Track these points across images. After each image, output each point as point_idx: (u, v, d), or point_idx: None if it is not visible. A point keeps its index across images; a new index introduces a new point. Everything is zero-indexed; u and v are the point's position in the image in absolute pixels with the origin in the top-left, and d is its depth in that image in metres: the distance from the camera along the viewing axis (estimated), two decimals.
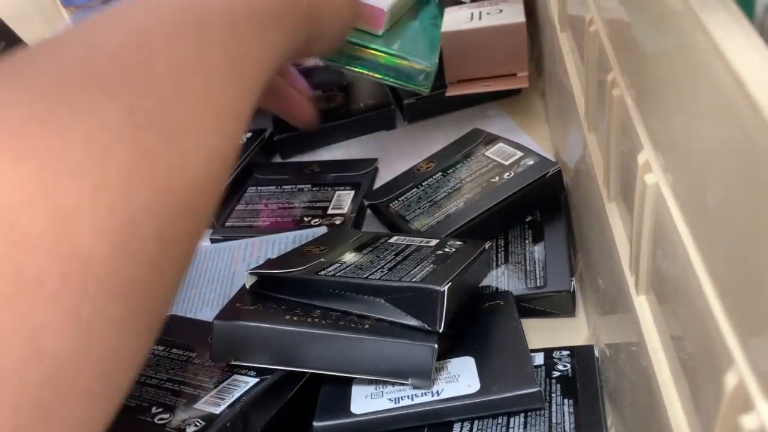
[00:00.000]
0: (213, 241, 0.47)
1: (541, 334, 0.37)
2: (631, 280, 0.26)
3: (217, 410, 0.28)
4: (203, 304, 0.41)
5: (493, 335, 0.33)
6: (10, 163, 0.17)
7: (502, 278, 0.40)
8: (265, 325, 0.30)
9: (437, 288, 0.30)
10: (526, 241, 0.42)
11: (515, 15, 0.47)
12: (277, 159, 0.57)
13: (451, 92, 0.50)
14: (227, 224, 0.48)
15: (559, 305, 0.39)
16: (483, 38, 0.47)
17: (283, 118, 0.51)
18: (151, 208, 0.19)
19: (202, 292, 0.42)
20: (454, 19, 0.51)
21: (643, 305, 0.25)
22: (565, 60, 0.40)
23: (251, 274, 0.33)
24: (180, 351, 0.33)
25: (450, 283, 0.30)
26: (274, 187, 0.51)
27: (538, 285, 0.39)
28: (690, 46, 0.18)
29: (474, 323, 0.34)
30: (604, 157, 0.30)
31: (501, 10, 0.49)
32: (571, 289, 0.38)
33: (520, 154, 0.45)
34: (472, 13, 0.50)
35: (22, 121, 0.18)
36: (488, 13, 0.49)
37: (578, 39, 0.37)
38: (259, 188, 0.52)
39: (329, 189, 0.50)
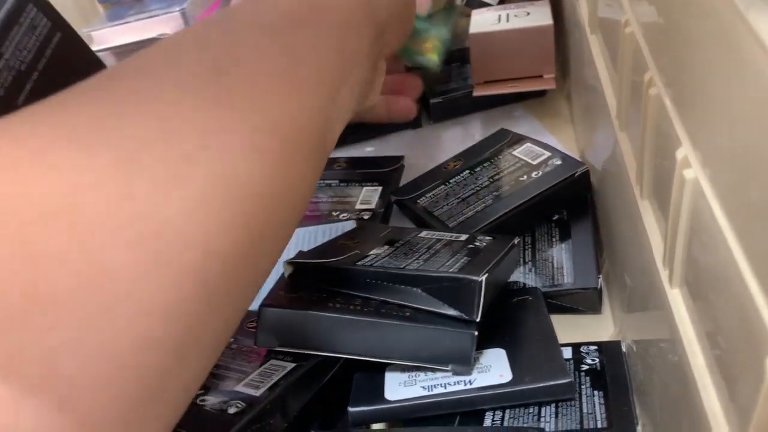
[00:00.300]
0: None
1: (568, 330, 0.38)
2: (665, 273, 0.27)
3: (257, 393, 0.29)
4: None
5: (522, 328, 0.34)
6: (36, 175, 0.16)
7: (529, 275, 0.41)
8: (312, 312, 0.31)
9: (475, 278, 0.30)
10: (553, 239, 0.42)
11: (543, 18, 0.48)
12: None
13: (479, 92, 0.51)
14: None
15: (586, 302, 0.39)
16: (511, 40, 0.48)
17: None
18: (191, 217, 0.18)
19: None
20: (482, 21, 0.51)
21: (676, 297, 0.26)
22: (595, 61, 0.40)
23: (289, 263, 0.34)
24: None
25: (487, 274, 0.31)
26: None
27: (565, 282, 0.39)
28: (731, 43, 0.19)
29: (504, 317, 0.35)
30: (638, 156, 0.30)
31: (528, 13, 0.50)
32: (598, 287, 0.39)
33: (547, 153, 0.45)
34: (499, 16, 0.51)
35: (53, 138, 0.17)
36: (515, 16, 0.50)
37: (610, 41, 0.37)
38: None
39: (356, 185, 0.51)
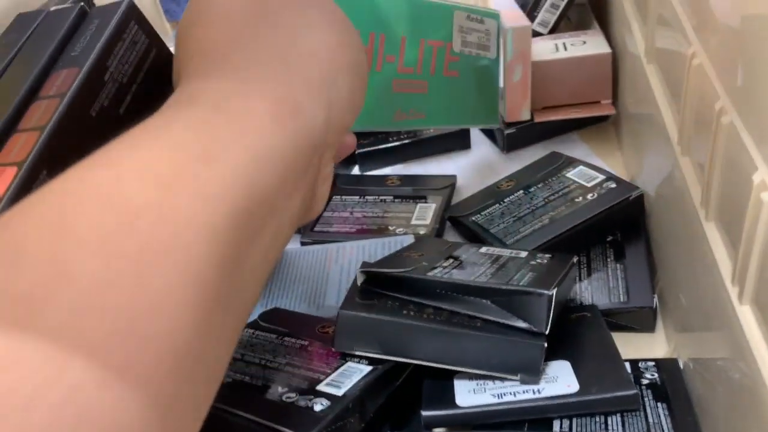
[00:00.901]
0: (303, 243, 0.50)
1: (622, 348, 0.39)
2: (734, 291, 0.28)
3: (339, 392, 0.31)
4: (300, 300, 0.44)
5: (585, 342, 0.35)
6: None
7: (585, 293, 0.42)
8: (388, 318, 0.32)
9: (546, 291, 0.32)
10: (608, 259, 0.44)
11: (600, 46, 0.50)
12: (356, 171, 0.60)
13: (540, 118, 0.53)
14: (315, 229, 0.51)
15: (641, 321, 0.41)
16: (571, 68, 0.50)
17: None
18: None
19: (297, 288, 0.45)
20: (540, 50, 0.53)
21: (746, 314, 0.27)
22: (653, 90, 0.42)
23: (362, 272, 0.36)
24: (293, 339, 0.36)
25: (556, 288, 0.32)
26: (358, 197, 0.54)
27: (621, 300, 0.41)
28: None
29: (566, 331, 0.36)
30: (703, 180, 0.32)
31: (584, 42, 0.52)
32: (654, 306, 0.40)
33: (601, 177, 0.47)
34: (556, 44, 0.53)
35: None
36: (572, 44, 0.52)
37: (670, 70, 0.39)
38: (343, 197, 0.55)
39: (411, 201, 0.53)
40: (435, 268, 0.36)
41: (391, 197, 0.54)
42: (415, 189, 0.54)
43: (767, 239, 0.25)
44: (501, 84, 0.51)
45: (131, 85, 0.34)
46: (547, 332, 0.32)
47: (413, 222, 0.51)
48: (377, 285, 0.36)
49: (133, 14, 0.34)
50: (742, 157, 0.27)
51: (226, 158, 0.21)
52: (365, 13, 0.40)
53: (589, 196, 0.45)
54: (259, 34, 0.26)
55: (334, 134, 0.27)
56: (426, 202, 0.53)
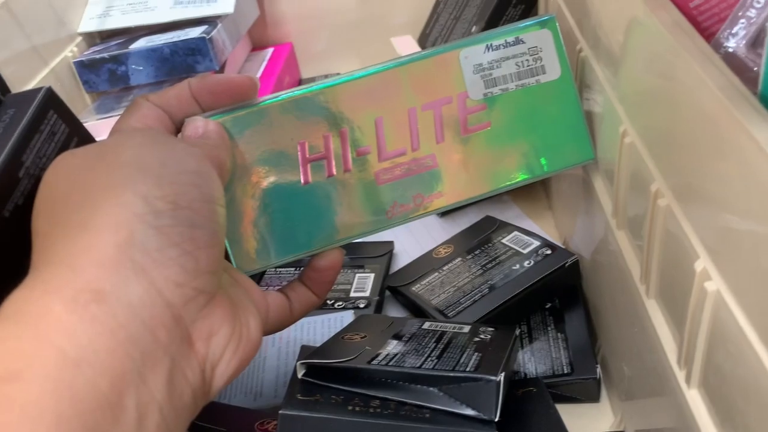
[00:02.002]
0: None
1: (567, 420, 0.38)
2: (681, 374, 0.28)
3: None
4: (237, 390, 0.41)
5: (533, 422, 0.35)
6: None
7: (529, 364, 0.42)
8: (332, 417, 0.31)
9: (493, 377, 0.31)
10: (549, 327, 0.44)
11: None
12: None
13: None
14: None
15: (585, 392, 0.41)
16: None
17: None
18: None
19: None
20: None
21: (695, 399, 0.27)
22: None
23: (302, 364, 0.35)
24: None
25: (504, 372, 0.32)
26: (293, 269, 0.53)
27: (564, 372, 0.41)
28: (739, 156, 0.21)
29: (513, 409, 0.36)
30: (642, 258, 0.32)
31: None
32: (597, 377, 0.40)
33: (536, 242, 0.47)
34: None
35: None
36: None
37: (600, 142, 0.40)
38: (277, 270, 0.53)
39: (348, 271, 0.52)
40: (379, 354, 0.35)
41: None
42: (352, 258, 0.53)
43: (712, 327, 0.25)
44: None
45: None
46: (497, 419, 0.31)
47: (352, 294, 0.49)
48: (319, 376, 0.34)
49: (52, 102, 0.32)
50: (683, 242, 0.27)
51: (33, 370, 0.20)
52: (312, 117, 0.35)
53: (525, 264, 0.45)
54: (60, 221, 0.24)
55: (183, 289, 0.24)
56: (364, 272, 0.52)
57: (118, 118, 0.32)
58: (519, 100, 0.37)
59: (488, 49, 0.37)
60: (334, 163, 0.35)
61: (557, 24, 0.38)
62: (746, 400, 0.23)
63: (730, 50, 0.30)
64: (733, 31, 0.30)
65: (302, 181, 0.35)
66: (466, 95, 0.37)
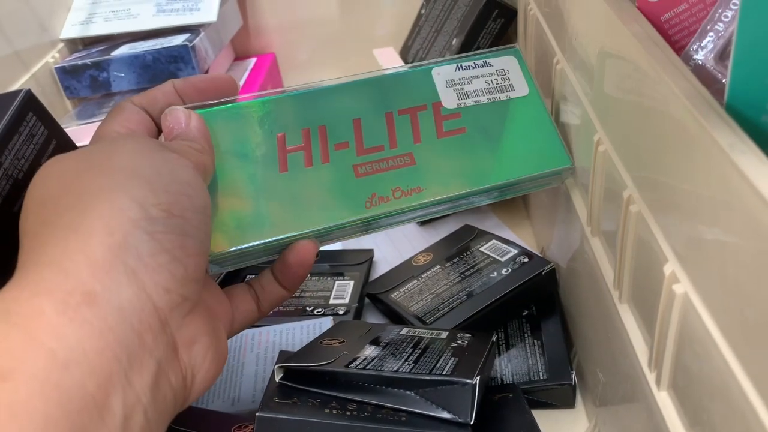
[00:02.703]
0: None
1: (543, 425, 0.39)
2: (651, 376, 0.29)
3: None
4: (214, 395, 0.41)
5: (509, 427, 0.35)
6: None
7: (505, 370, 0.42)
8: (309, 419, 0.31)
9: (469, 381, 0.32)
10: (525, 334, 0.44)
11: None
12: None
13: None
14: None
15: (560, 397, 0.41)
16: None
17: None
18: None
19: None
20: None
21: (665, 400, 0.28)
22: None
23: (280, 368, 0.35)
24: None
25: (479, 375, 0.32)
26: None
27: (540, 378, 0.41)
28: (706, 161, 0.22)
29: (489, 415, 0.36)
30: (615, 264, 0.33)
31: None
32: (573, 383, 0.41)
33: (514, 251, 0.48)
34: None
35: None
36: None
37: (576, 151, 0.41)
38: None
39: (328, 278, 0.52)
40: (356, 358, 0.35)
41: (308, 275, 0.53)
42: (332, 265, 0.54)
43: (680, 329, 0.26)
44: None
45: (28, 181, 0.32)
46: (472, 422, 0.32)
47: (332, 301, 0.50)
48: (296, 380, 0.34)
49: (31, 105, 0.32)
50: (653, 247, 0.28)
51: (21, 370, 0.20)
52: (291, 115, 0.37)
53: (503, 271, 0.46)
54: (50, 221, 0.25)
55: (171, 295, 0.25)
56: (344, 279, 0.52)
57: (100, 122, 0.33)
58: (492, 110, 0.40)
59: (458, 68, 0.40)
60: (312, 154, 0.36)
61: (521, 53, 0.41)
62: (712, 399, 0.23)
63: (699, 62, 0.31)
64: (702, 44, 0.31)
65: (279, 169, 0.36)
66: (441, 104, 0.39)
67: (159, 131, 0.33)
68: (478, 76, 0.40)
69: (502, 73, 0.40)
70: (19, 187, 0.31)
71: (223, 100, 0.35)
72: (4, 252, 0.29)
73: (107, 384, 0.21)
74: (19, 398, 0.19)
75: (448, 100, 0.39)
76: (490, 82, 0.40)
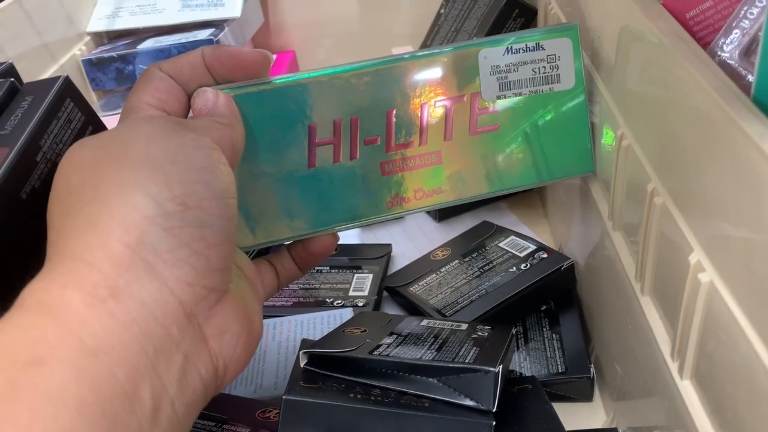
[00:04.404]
0: None
1: (561, 417, 0.39)
2: (674, 366, 0.29)
3: None
4: (238, 382, 0.42)
5: (529, 417, 0.36)
6: None
7: (524, 363, 0.43)
8: (336, 403, 0.32)
9: (492, 368, 0.32)
10: (544, 329, 0.45)
11: None
12: None
13: None
14: None
15: (578, 390, 0.41)
16: None
17: None
18: None
19: None
20: None
21: (688, 389, 0.28)
22: None
23: (305, 353, 0.35)
24: (232, 427, 0.35)
25: (501, 364, 0.32)
26: None
27: (559, 371, 0.42)
28: (730, 151, 0.22)
29: (509, 405, 0.36)
30: (637, 257, 0.33)
31: None
32: (591, 375, 0.41)
33: (532, 247, 0.48)
34: None
35: None
36: None
37: (598, 147, 0.41)
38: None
39: (347, 271, 0.53)
40: (379, 346, 0.36)
41: (327, 267, 0.53)
42: (351, 259, 0.54)
43: (705, 317, 0.26)
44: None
45: None
46: (494, 409, 0.32)
47: (351, 293, 0.50)
48: (321, 366, 0.35)
49: (70, 91, 0.33)
50: (677, 237, 0.28)
51: (56, 356, 0.20)
52: (325, 102, 0.35)
53: (522, 267, 0.46)
54: (71, 213, 0.25)
55: (194, 288, 0.25)
56: (362, 272, 0.52)
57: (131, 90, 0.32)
58: (530, 106, 0.38)
59: (508, 52, 0.38)
60: (341, 149, 0.36)
61: (578, 34, 0.38)
62: (736, 385, 0.24)
63: (724, 59, 0.31)
64: (727, 41, 0.32)
65: (308, 164, 0.36)
66: (479, 95, 0.37)
67: (188, 98, 0.33)
68: (526, 62, 0.38)
69: (552, 59, 0.38)
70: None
71: (254, 80, 0.34)
72: (46, 234, 0.30)
73: (135, 374, 0.22)
74: (54, 383, 0.20)
75: (489, 91, 0.37)
76: (536, 71, 0.38)
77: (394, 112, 0.36)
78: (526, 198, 0.61)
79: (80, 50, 0.58)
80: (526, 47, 0.38)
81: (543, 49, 0.38)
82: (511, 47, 0.37)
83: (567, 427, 0.38)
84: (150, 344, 0.23)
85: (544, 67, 0.38)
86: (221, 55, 0.33)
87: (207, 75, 0.33)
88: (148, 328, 0.23)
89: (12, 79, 0.33)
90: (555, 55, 0.38)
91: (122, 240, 0.24)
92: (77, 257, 0.23)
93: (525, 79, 0.38)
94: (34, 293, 0.23)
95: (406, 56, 0.36)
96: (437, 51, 0.37)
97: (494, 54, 0.37)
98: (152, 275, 0.24)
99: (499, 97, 0.38)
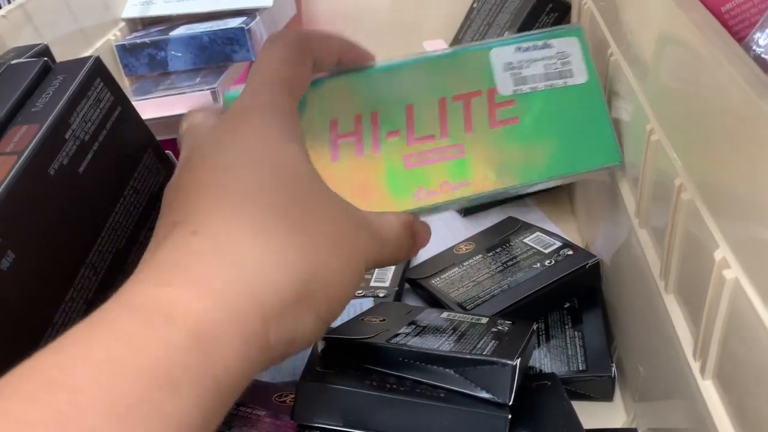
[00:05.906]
0: None
1: (581, 416, 0.39)
2: (696, 365, 0.29)
3: None
4: None
5: (546, 413, 0.35)
6: None
7: (544, 360, 0.42)
8: (349, 389, 0.32)
9: (509, 362, 0.32)
10: (566, 326, 0.44)
11: None
12: None
13: None
14: None
15: (599, 389, 0.41)
16: None
17: None
18: None
19: None
20: None
21: (709, 389, 0.28)
22: None
23: (323, 338, 0.35)
24: (248, 409, 0.35)
25: (520, 358, 0.32)
26: None
27: (579, 369, 0.41)
28: (765, 149, 0.22)
29: (527, 400, 0.36)
30: (662, 254, 0.33)
31: None
32: (612, 375, 0.40)
33: (558, 243, 0.48)
34: None
35: None
36: None
37: (627, 143, 0.40)
38: None
39: None
40: (398, 335, 0.36)
41: None
42: None
43: (729, 315, 0.25)
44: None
45: (93, 144, 0.33)
46: (510, 403, 0.32)
47: (372, 284, 0.50)
48: (338, 352, 0.35)
49: (100, 71, 0.33)
50: (703, 234, 0.27)
51: (188, 386, 0.21)
52: (343, 99, 0.37)
53: (546, 263, 0.46)
54: (179, 230, 0.25)
55: (281, 284, 0.24)
56: None
57: (259, 54, 0.32)
58: (547, 99, 0.38)
59: (518, 50, 0.39)
60: (363, 143, 0.36)
61: (584, 34, 0.39)
62: (759, 385, 0.23)
63: (760, 54, 0.31)
64: (763, 36, 0.31)
65: (332, 158, 0.36)
66: (496, 90, 0.38)
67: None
68: (537, 59, 0.39)
69: (562, 56, 0.39)
70: (85, 149, 0.32)
71: None
72: (72, 211, 0.30)
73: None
74: (178, 415, 0.20)
75: (504, 86, 0.38)
76: (548, 67, 0.39)
77: (413, 107, 0.37)
78: (554, 195, 0.60)
79: (115, 36, 0.59)
80: (535, 45, 0.39)
81: (552, 47, 0.39)
82: (521, 46, 0.39)
83: (586, 425, 0.37)
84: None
85: (555, 62, 0.39)
86: (349, 52, 0.36)
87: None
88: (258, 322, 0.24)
89: (45, 59, 0.34)
90: (564, 52, 0.39)
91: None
92: (180, 264, 0.23)
93: (538, 74, 0.39)
94: (165, 267, 0.23)
95: (422, 56, 0.39)
96: (450, 51, 0.39)
97: (505, 52, 0.39)
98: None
99: (515, 92, 0.38)
